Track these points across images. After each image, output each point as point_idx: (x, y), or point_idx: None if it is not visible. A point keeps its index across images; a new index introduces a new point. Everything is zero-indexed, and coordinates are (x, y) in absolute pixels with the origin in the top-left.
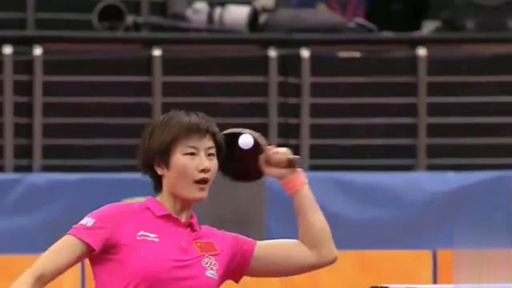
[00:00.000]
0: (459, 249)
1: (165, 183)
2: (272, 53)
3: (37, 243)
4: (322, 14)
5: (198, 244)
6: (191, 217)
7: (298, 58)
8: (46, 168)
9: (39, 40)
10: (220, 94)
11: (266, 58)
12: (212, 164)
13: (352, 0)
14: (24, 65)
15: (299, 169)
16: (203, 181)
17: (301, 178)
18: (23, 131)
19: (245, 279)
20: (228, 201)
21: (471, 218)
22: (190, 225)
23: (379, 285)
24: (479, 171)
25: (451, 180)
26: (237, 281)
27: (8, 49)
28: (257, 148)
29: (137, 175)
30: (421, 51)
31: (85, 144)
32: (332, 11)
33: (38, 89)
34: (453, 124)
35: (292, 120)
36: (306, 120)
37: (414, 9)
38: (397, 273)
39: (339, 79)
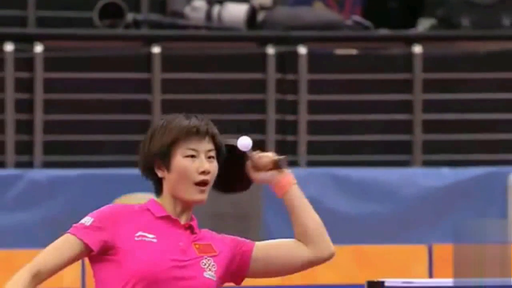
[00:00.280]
0: (457, 244)
1: (166, 186)
2: (270, 50)
3: (38, 238)
4: (319, 11)
5: (197, 246)
6: (191, 219)
7: (296, 55)
8: (47, 164)
9: (40, 38)
10: (218, 91)
11: (264, 55)
12: (212, 166)
13: None
14: (25, 62)
15: (286, 170)
16: (203, 183)
17: (289, 179)
18: (24, 127)
19: None
20: (226, 196)
21: (465, 213)
22: (189, 227)
23: (375, 280)
24: (473, 166)
25: (446, 175)
26: (238, 284)
27: (9, 47)
28: (242, 156)
29: (137, 171)
30: (417, 49)
31: (86, 140)
32: (329, 9)
33: (39, 86)
34: (448, 120)
35: (290, 117)
36: (303, 117)
37: (410, 7)
38: (393, 267)
39: (336, 76)
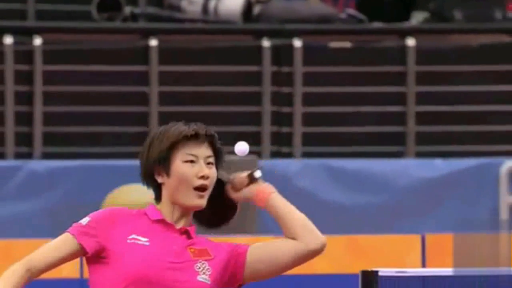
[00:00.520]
0: (447, 233)
1: (165, 191)
2: (266, 43)
3: (37, 228)
4: (314, 5)
5: (192, 250)
6: (189, 225)
7: (291, 48)
8: (46, 155)
9: (39, 31)
10: (214, 83)
11: (259, 48)
12: (211, 172)
13: None
14: (24, 55)
15: (261, 182)
16: (202, 189)
17: (267, 189)
18: (24, 119)
19: None
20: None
21: (458, 203)
22: (185, 232)
23: (369, 269)
24: (466, 158)
25: (439, 166)
26: None
27: (9, 39)
28: (220, 184)
29: (135, 162)
30: (410, 41)
31: (84, 131)
32: (324, 2)
33: (38, 78)
34: (441, 112)
35: (285, 109)
36: (298, 109)
37: (403, 0)
38: (387, 257)
39: (330, 69)
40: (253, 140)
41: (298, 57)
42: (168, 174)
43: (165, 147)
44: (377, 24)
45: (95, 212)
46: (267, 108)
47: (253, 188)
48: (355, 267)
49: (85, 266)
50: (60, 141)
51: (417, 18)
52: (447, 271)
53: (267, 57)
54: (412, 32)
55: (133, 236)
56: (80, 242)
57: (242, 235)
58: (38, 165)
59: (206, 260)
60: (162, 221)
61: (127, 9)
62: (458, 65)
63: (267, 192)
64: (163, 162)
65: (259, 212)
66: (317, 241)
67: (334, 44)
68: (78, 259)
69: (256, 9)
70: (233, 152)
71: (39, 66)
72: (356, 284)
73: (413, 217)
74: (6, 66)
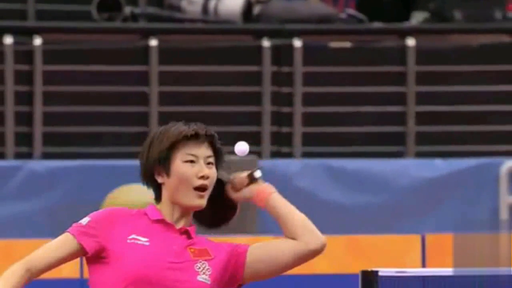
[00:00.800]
0: (447, 233)
1: (165, 191)
2: (266, 43)
3: (37, 228)
4: (314, 5)
5: (192, 250)
6: (190, 225)
7: (291, 48)
8: (46, 155)
9: (39, 31)
10: (214, 83)
11: (259, 48)
12: (211, 172)
13: None
14: (24, 55)
15: (261, 182)
16: (202, 188)
17: (267, 189)
18: (24, 119)
19: None
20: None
21: (458, 203)
22: (185, 232)
23: (369, 269)
24: (466, 158)
25: (439, 166)
26: None
27: (9, 39)
28: (221, 184)
29: (135, 162)
30: (410, 41)
31: (84, 131)
32: (324, 2)
33: (38, 78)
34: (441, 112)
35: (285, 109)
36: (298, 109)
37: (403, 0)
38: (387, 257)
39: (330, 69)
40: (253, 140)
41: (298, 57)
42: (168, 174)
43: (165, 147)
44: (377, 24)
45: (95, 212)
46: (267, 108)
47: (253, 188)
48: (355, 267)
49: (85, 266)
50: (60, 141)
51: (417, 18)
52: (447, 271)
53: (267, 57)
54: (412, 32)
55: (133, 236)
56: (80, 242)
57: (242, 235)
58: (38, 165)
59: (206, 260)
60: (162, 221)
61: (127, 9)
62: (458, 65)
63: (267, 192)
64: (163, 162)
65: (259, 212)
66: (317, 241)
67: (334, 44)
68: (78, 259)
69: (256, 9)
70: (233, 152)
71: (39, 66)
72: (356, 284)
73: (413, 217)
74: (6, 66)
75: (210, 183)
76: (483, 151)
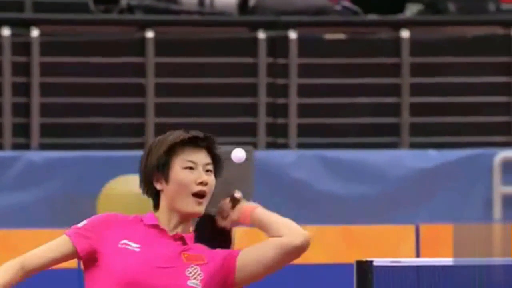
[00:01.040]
0: (441, 224)
1: (163, 198)
2: (261, 35)
3: (35, 218)
4: None
5: (186, 255)
6: (188, 233)
7: (286, 39)
8: (44, 146)
9: (37, 22)
10: (210, 74)
11: (255, 40)
12: (210, 179)
13: None
14: (22, 47)
15: (244, 202)
16: (201, 195)
17: (249, 207)
18: (21, 110)
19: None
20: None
21: (451, 194)
22: (180, 239)
23: (364, 259)
24: (459, 148)
25: (433, 157)
26: None
27: (6, 31)
28: (211, 219)
29: (131, 153)
30: (404, 33)
31: (81, 122)
32: None
33: (35, 70)
34: (435, 103)
35: (281, 100)
36: (293, 100)
37: None
38: (382, 247)
39: (325, 60)
40: (249, 131)
41: (293, 49)
42: (167, 180)
43: (163, 151)
44: (371, 16)
45: (93, 216)
46: (262, 99)
47: (237, 209)
48: (350, 257)
49: None
50: (58, 132)
51: (411, 10)
52: (441, 261)
53: (262, 49)
54: (407, 24)
55: (125, 241)
56: (73, 243)
57: (239, 225)
58: (35, 155)
59: (198, 265)
60: (156, 227)
61: (124, 1)
62: (452, 57)
63: (251, 208)
64: (162, 168)
65: (254, 202)
66: (301, 237)
67: (329, 36)
68: None
69: (252, 1)
70: (228, 144)
71: (36, 58)
72: (351, 274)
73: (408, 207)
74: (4, 57)
75: (208, 190)
76: (476, 142)
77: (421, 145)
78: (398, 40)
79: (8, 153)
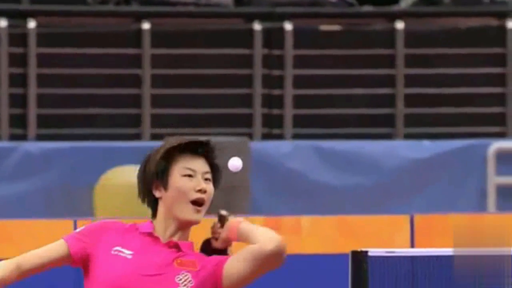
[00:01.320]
0: (435, 214)
1: (162, 205)
2: (257, 26)
3: (32, 209)
4: None
5: (178, 261)
6: (186, 241)
7: (282, 31)
8: (40, 137)
9: (33, 14)
10: (206, 66)
11: (251, 31)
12: (209, 187)
13: None
14: (18, 38)
15: (232, 218)
16: (200, 203)
17: (235, 223)
18: (18, 101)
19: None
20: None
21: (445, 184)
22: (175, 246)
23: (359, 249)
24: (453, 139)
25: (427, 148)
26: None
27: (3, 23)
28: (207, 243)
29: (128, 144)
30: (399, 25)
31: (78, 113)
32: None
33: (32, 61)
34: (429, 94)
35: (276, 91)
36: (289, 91)
37: None
38: (376, 237)
39: (320, 52)
40: (244, 122)
41: (288, 40)
42: (166, 187)
43: (161, 157)
44: (366, 8)
45: (91, 223)
46: (258, 90)
47: (226, 227)
48: (345, 247)
49: None
50: (54, 123)
51: (406, 1)
52: (435, 251)
53: (258, 40)
54: (401, 15)
55: (118, 248)
56: (68, 246)
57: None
58: (32, 146)
59: (189, 272)
60: (149, 234)
61: None
62: (446, 48)
63: (236, 224)
64: (162, 175)
65: (251, 193)
66: (272, 243)
67: (324, 27)
68: None
69: None
70: (223, 135)
71: (33, 49)
72: (346, 263)
73: (402, 197)
74: (1, 48)
75: (207, 198)
76: (470, 132)
77: (416, 135)
78: (393, 32)
79: (5, 144)
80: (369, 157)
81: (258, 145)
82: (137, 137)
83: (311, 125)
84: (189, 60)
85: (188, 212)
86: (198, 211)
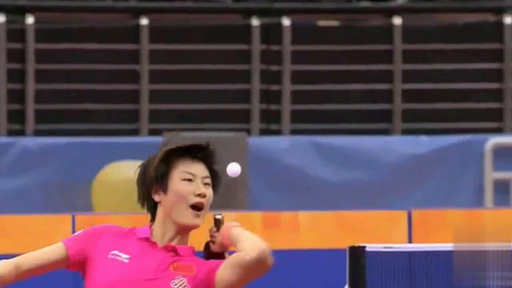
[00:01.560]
0: (433, 209)
1: (160, 210)
2: (255, 22)
3: (29, 204)
4: None
5: (175, 265)
6: (185, 245)
7: (280, 26)
8: (38, 132)
9: (32, 10)
10: (204, 61)
11: (249, 27)
12: (208, 192)
13: None
14: (17, 34)
15: (224, 223)
16: (199, 207)
17: (228, 228)
18: (16, 96)
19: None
20: None
21: (443, 179)
22: (173, 250)
23: (357, 245)
24: (451, 135)
25: (425, 143)
26: None
27: (1, 18)
28: (207, 247)
29: (125, 139)
30: (397, 20)
31: (76, 109)
32: None
33: (30, 57)
34: (427, 90)
35: (274, 86)
36: (287, 86)
37: None
38: (374, 232)
39: (318, 47)
40: (242, 117)
41: (286, 36)
42: (165, 191)
43: (160, 160)
44: (364, 3)
45: (90, 227)
46: (256, 86)
47: (221, 231)
48: (343, 243)
49: None
50: (52, 119)
51: None
52: (433, 246)
53: (256, 36)
54: (399, 11)
55: (115, 252)
56: (66, 248)
57: (232, 211)
58: (30, 142)
59: (185, 276)
60: (146, 239)
61: None
62: (443, 44)
63: (229, 228)
64: (161, 179)
65: (248, 188)
66: (254, 251)
67: (322, 23)
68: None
69: None
70: (222, 130)
71: (31, 45)
72: (344, 259)
73: (400, 193)
74: None
75: (206, 202)
76: (468, 128)
77: (413, 131)
78: (390, 27)
79: (3, 139)
80: (367, 153)
81: (256, 141)
82: (135, 132)
83: (309, 121)
84: (187, 56)
85: (187, 216)
86: (197, 216)
